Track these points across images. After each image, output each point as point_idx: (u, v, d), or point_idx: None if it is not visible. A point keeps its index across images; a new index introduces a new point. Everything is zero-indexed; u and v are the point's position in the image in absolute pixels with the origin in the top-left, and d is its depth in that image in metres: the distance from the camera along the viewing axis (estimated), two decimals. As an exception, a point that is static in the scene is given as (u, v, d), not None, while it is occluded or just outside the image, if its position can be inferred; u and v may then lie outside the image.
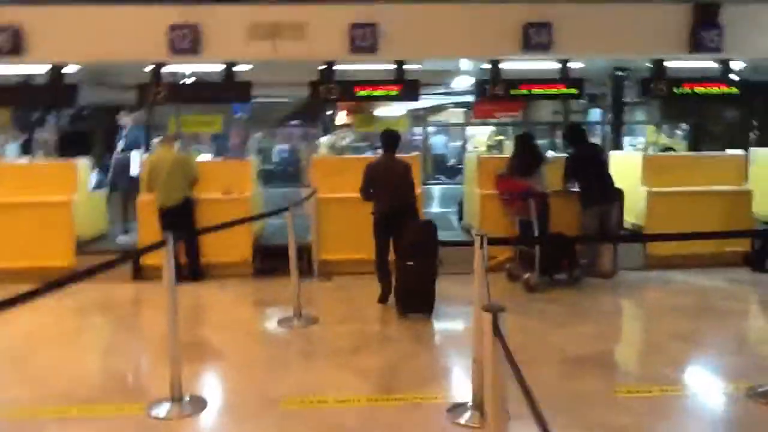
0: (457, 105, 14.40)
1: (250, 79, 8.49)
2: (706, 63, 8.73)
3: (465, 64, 9.75)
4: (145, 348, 5.78)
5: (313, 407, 4.26)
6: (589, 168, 7.78)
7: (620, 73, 9.55)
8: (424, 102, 15.26)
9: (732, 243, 8.36)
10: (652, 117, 13.76)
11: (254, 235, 8.33)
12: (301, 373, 4.89)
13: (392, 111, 14.22)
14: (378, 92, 8.42)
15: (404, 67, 8.52)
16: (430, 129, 14.69)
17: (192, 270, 7.77)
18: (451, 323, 6.46)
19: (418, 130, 13.67)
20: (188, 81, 8.86)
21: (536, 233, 7.26)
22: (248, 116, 12.27)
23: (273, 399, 4.36)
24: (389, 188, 6.71)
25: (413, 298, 6.40)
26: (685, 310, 6.60)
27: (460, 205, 10.02)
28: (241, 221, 6.66)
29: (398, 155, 6.96)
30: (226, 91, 8.28)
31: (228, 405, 4.34)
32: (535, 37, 8.11)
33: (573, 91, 8.52)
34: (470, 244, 8.27)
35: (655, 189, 8.36)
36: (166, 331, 4.27)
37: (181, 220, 7.72)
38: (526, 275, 7.29)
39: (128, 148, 9.26)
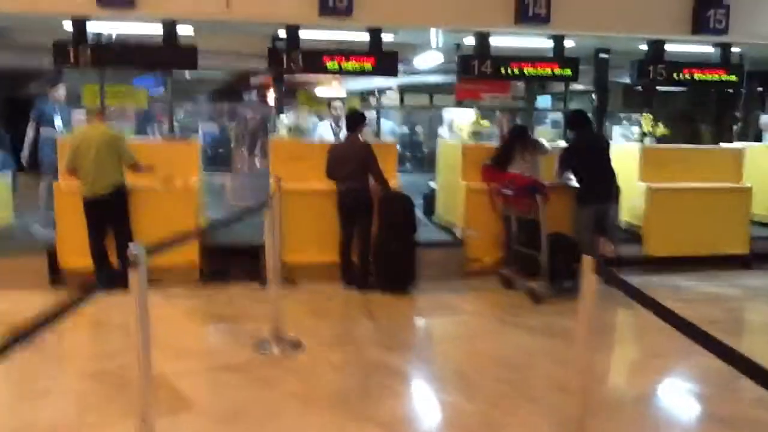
0: (408, 88, 13.33)
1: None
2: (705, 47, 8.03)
3: (434, 38, 8.60)
4: (82, 391, 4.34)
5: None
6: (590, 160, 6.88)
7: (604, 55, 8.67)
8: (364, 83, 14.10)
9: (730, 244, 7.73)
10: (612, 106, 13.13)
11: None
12: (309, 432, 3.65)
13: (332, 92, 12.99)
14: (350, 64, 7.14)
15: (378, 35, 7.31)
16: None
17: (126, 273, 6.28)
18: (462, 347, 5.31)
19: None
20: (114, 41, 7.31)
21: (543, 234, 6.26)
22: (160, 92, 10.68)
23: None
24: (346, 170, 6.59)
25: (394, 275, 6.55)
26: (719, 324, 5.77)
27: (428, 198, 8.93)
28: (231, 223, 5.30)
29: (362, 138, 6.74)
30: (168, 55, 6.78)
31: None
32: (533, 8, 7.10)
33: (567, 72, 7.54)
34: (453, 244, 7.37)
35: (654, 185, 7.56)
36: (120, 369, 2.95)
37: (112, 213, 6.26)
38: (532, 283, 6.29)
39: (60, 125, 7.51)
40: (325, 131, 8.12)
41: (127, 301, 3.00)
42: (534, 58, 7.51)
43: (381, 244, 6.62)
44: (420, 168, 13.68)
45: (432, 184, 9.02)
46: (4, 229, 7.32)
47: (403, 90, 16.18)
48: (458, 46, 8.50)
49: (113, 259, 6.32)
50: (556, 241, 6.37)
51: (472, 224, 7.26)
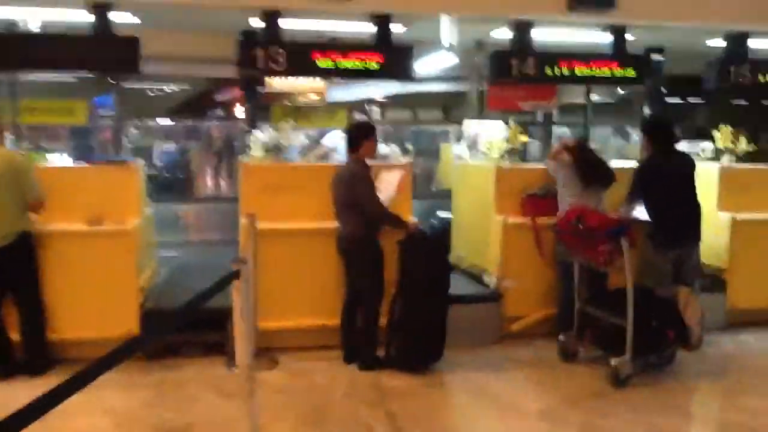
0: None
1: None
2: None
3: (446, 34, 6.84)
4: None
5: None
6: (670, 187, 5.10)
7: (657, 57, 6.98)
8: (347, 94, 12.39)
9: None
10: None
11: (142, 293, 5.07)
12: None
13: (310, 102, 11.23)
14: (349, 62, 5.34)
15: (386, 25, 5.54)
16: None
17: (33, 356, 4.40)
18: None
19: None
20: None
21: (629, 290, 4.47)
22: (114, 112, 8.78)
23: None
24: (335, 203, 4.88)
25: (415, 349, 4.77)
26: None
27: (439, 233, 7.11)
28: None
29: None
30: (99, 49, 4.89)
31: None
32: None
33: (630, 72, 5.84)
34: (484, 297, 5.52)
35: (740, 215, 5.87)
36: None
37: (13, 271, 4.37)
38: (613, 360, 4.49)
39: None
40: (336, 143, 6.28)
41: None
42: (588, 55, 5.79)
43: (399, 306, 4.80)
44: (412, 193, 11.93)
45: (443, 213, 7.25)
46: None
47: (384, 103, 14.49)
48: (479, 44, 6.80)
49: (15, 335, 4.43)
50: (640, 299, 4.59)
51: (511, 271, 5.48)
